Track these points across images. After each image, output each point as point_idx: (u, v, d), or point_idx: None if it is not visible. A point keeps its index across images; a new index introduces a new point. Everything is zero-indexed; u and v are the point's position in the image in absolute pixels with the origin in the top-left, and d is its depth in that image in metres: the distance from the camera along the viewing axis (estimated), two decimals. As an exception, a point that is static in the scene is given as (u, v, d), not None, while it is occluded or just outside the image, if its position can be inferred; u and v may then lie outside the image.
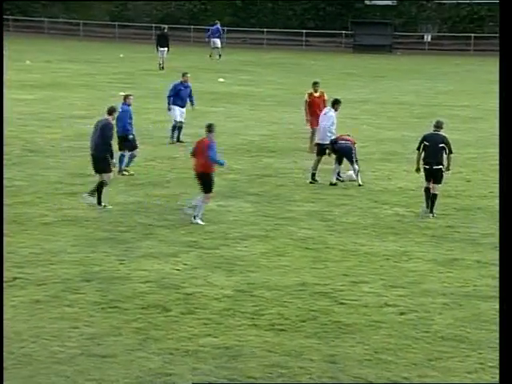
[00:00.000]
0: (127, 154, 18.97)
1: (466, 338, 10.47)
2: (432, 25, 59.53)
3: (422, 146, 16.32)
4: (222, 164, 15.77)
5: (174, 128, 22.84)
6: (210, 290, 11.94)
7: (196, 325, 10.72)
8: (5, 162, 19.72)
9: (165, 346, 10.07)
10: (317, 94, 21.74)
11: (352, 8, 60.68)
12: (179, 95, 22.72)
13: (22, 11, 63.25)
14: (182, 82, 22.93)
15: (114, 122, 16.75)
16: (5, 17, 58.89)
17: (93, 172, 16.55)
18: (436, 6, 59.59)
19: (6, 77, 36.14)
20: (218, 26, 50.93)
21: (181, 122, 22.86)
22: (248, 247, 13.99)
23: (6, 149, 21.06)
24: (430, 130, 16.63)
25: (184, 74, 23.11)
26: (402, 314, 11.24)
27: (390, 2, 60.55)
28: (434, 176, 16.24)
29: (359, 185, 18.32)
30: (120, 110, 19.23)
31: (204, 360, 9.74)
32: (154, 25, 46.06)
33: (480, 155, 22.22)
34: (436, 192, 16.27)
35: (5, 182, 17.63)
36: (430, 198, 16.26)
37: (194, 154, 15.61)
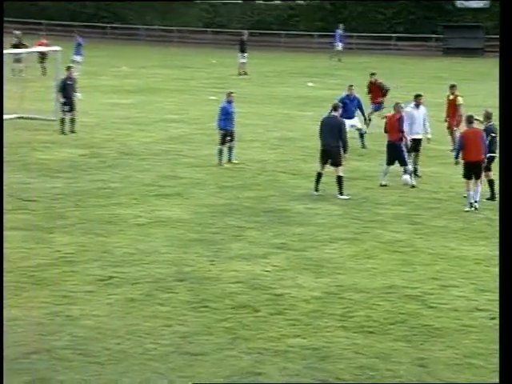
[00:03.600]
0: (226, 147, 20.51)
1: (558, 344, 10.31)
2: (526, 27, 58.21)
3: None
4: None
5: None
6: (298, 291, 12.06)
7: (285, 325, 10.85)
8: (101, 164, 20.37)
9: (254, 345, 10.23)
10: (451, 97, 22.67)
11: (442, 11, 59.84)
12: (345, 108, 22.04)
13: (119, 19, 64.88)
14: (347, 95, 22.81)
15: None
16: (103, 24, 62.98)
17: (318, 165, 17.79)
18: (531, 7, 58.25)
19: (103, 82, 37.27)
20: (339, 30, 52.72)
21: (360, 129, 23.06)
22: (336, 249, 14.07)
23: (102, 152, 21.73)
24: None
25: (350, 87, 23.01)
26: (492, 318, 11.14)
27: (482, 5, 59.49)
28: None
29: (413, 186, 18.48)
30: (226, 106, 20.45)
31: (293, 360, 9.86)
32: (246, 30, 46.53)
33: None
34: None
35: (101, 184, 18.19)
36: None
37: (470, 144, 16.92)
